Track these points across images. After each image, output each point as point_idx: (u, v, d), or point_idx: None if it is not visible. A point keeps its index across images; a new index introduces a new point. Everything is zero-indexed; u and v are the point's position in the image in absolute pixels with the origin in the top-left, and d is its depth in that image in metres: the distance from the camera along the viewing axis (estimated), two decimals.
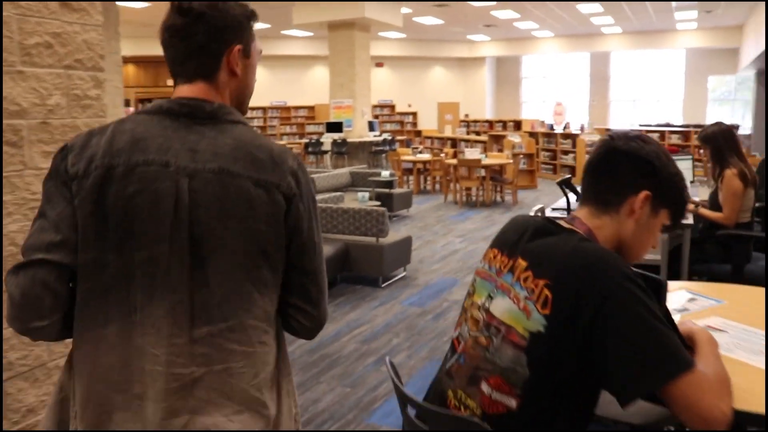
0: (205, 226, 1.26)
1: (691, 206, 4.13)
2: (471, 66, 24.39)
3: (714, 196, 4.17)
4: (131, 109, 14.05)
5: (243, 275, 1.28)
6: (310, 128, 22.52)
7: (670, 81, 22.38)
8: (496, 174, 12.22)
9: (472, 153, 11.89)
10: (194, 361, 1.25)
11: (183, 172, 1.27)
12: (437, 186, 13.99)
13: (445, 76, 24.73)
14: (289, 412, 1.41)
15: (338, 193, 8.16)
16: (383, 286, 6.25)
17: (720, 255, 4.02)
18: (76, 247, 1.27)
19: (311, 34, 19.81)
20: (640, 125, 18.88)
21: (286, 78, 22.99)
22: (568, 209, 3.90)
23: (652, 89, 22.76)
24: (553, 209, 4.58)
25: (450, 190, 12.36)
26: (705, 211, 4.13)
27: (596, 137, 14.89)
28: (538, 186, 14.36)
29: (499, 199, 12.38)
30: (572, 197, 4.08)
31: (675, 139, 17.31)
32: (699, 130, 17.16)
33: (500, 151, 14.30)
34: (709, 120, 21.08)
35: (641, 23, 18.54)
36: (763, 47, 14.44)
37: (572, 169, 15.16)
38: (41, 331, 1.28)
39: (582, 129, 16.06)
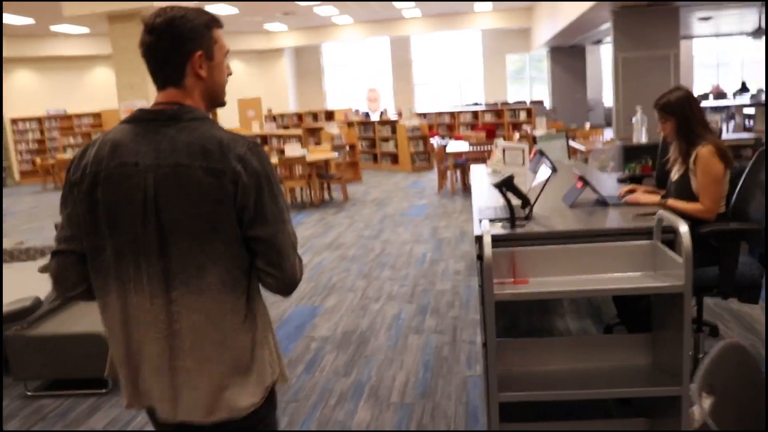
0: (166, 212, 1.55)
1: (649, 198, 3.33)
2: (270, 58, 23.09)
3: (684, 182, 3.33)
4: None
5: (197, 249, 1.56)
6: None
7: (470, 61, 22.68)
8: (321, 170, 11.16)
9: (293, 150, 10.74)
10: (171, 318, 1.59)
11: (148, 169, 1.55)
12: None
13: (244, 71, 23.19)
14: (262, 360, 1.68)
15: None
16: None
17: (705, 258, 3.17)
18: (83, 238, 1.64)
19: (87, 30, 17.40)
20: (450, 106, 18.79)
21: (62, 82, 20.17)
22: (512, 221, 2.89)
23: (454, 71, 22.94)
24: (491, 222, 3.56)
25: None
26: (677, 204, 3.24)
27: (416, 122, 14.36)
28: (362, 179, 13.49)
29: (327, 197, 11.35)
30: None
31: (488, 118, 17.35)
32: (508, 107, 18.37)
33: (317, 144, 13.25)
34: (512, 97, 21.70)
35: (440, 6, 18.37)
36: (556, 29, 14.89)
37: (395, 157, 14.51)
38: (77, 297, 1.70)
39: (400, 114, 15.46)
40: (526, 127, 14.66)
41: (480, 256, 2.79)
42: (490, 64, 22.46)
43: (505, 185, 2.78)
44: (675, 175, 3.42)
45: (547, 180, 2.94)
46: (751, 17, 17.32)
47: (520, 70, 23.90)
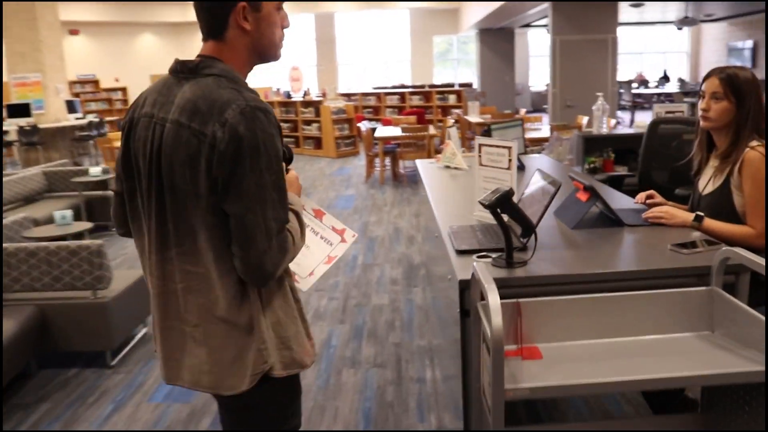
0: (164, 168, 1.48)
1: (679, 215, 2.49)
2: (186, 32, 21.49)
3: (722, 195, 2.50)
4: None
5: (187, 212, 1.48)
6: None
7: (397, 42, 21.79)
8: None
9: None
10: (166, 277, 1.56)
11: (159, 122, 1.50)
12: None
13: (158, 45, 21.54)
14: (247, 347, 1.54)
15: (21, 215, 5.10)
16: (114, 363, 3.89)
17: (754, 296, 2.33)
18: None
19: None
20: (375, 88, 17.88)
21: None
22: (510, 257, 1.99)
23: (380, 51, 22.01)
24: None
25: None
26: (718, 226, 2.42)
27: (341, 103, 13.38)
28: None
29: None
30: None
31: (416, 101, 16.54)
32: (436, 88, 17.56)
33: None
34: (437, 79, 20.96)
35: None
36: (488, 9, 14.22)
37: (318, 141, 13.50)
38: (126, 236, 1.70)
39: (324, 95, 14.43)
40: (458, 111, 13.93)
41: (465, 311, 1.92)
42: (418, 45, 21.66)
43: (501, 205, 1.89)
44: (707, 184, 2.59)
45: (552, 198, 2.07)
46: (674, 6, 17.16)
47: (445, 52, 23.24)
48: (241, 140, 1.40)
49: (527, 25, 19.98)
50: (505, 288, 1.83)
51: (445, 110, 16.36)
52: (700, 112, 2.51)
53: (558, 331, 1.83)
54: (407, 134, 9.89)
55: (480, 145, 2.59)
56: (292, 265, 1.76)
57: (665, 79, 22.25)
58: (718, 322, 1.88)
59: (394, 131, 10.38)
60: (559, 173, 3.84)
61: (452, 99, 16.65)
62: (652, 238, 2.32)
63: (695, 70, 23.95)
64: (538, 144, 8.61)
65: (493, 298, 1.51)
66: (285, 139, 10.03)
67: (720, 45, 22.25)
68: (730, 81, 2.44)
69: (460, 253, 2.11)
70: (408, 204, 8.42)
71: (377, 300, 4.95)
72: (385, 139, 10.05)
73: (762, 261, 1.71)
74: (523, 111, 12.56)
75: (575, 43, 11.70)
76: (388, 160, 10.59)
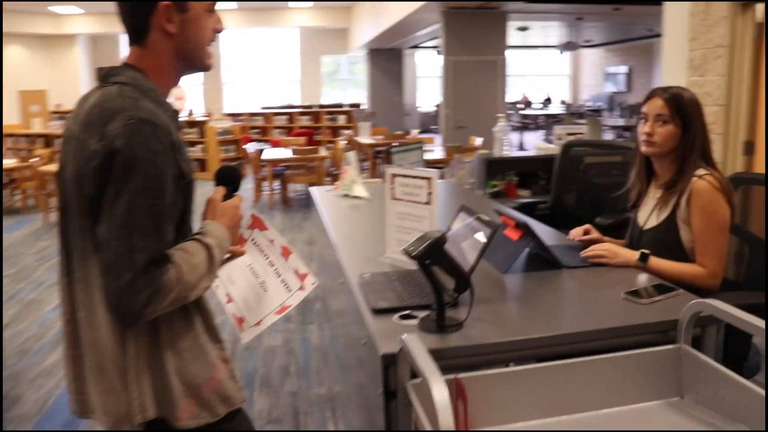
0: (66, 184, 1.37)
1: (622, 254, 2.14)
2: (59, 45, 20.00)
3: (666, 231, 2.22)
4: None
5: (80, 231, 1.34)
6: None
7: (286, 61, 21.29)
8: None
9: None
10: (71, 303, 1.41)
11: (68, 134, 1.38)
12: (31, 203, 10.22)
13: (26, 58, 19.93)
14: (127, 390, 1.35)
15: None
16: None
17: (732, 351, 2.02)
18: None
19: None
20: (262, 108, 17.29)
21: None
22: (442, 319, 1.57)
23: (269, 70, 21.43)
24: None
25: (51, 208, 8.89)
26: (666, 266, 2.12)
27: (227, 124, 12.74)
28: None
29: None
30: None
31: (305, 121, 16.09)
32: (326, 109, 17.13)
33: None
34: (325, 100, 20.60)
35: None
36: (379, 29, 14.06)
37: (202, 163, 12.77)
38: None
39: (209, 115, 13.71)
40: (348, 132, 13.60)
41: (390, 393, 1.49)
42: (307, 64, 21.24)
43: (431, 256, 1.49)
44: (648, 218, 2.30)
45: (489, 243, 1.68)
46: (557, 32, 17.71)
47: (334, 72, 22.97)
48: (116, 155, 1.25)
49: (416, 47, 20.03)
50: (439, 360, 1.42)
51: (335, 131, 16.01)
52: (642, 137, 2.23)
53: (508, 411, 1.43)
54: (297, 156, 9.42)
55: (393, 176, 2.19)
56: (243, 310, 1.61)
57: (548, 101, 22.94)
58: (688, 385, 1.55)
59: (284, 153, 9.89)
60: (481, 206, 3.51)
61: (342, 119, 16.33)
62: (598, 282, 1.99)
63: (576, 92, 24.89)
64: (433, 166, 8.37)
65: (439, 392, 1.10)
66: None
67: (598, 69, 23.24)
68: (676, 102, 2.17)
69: (378, 312, 1.68)
70: (299, 230, 7.93)
71: (269, 341, 4.45)
72: (274, 162, 9.55)
73: (748, 317, 1.39)
74: (415, 132, 12.39)
75: (467, 64, 11.66)
76: (277, 184, 10.07)
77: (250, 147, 10.61)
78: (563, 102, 23.50)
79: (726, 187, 2.12)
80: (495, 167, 5.48)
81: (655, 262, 2.11)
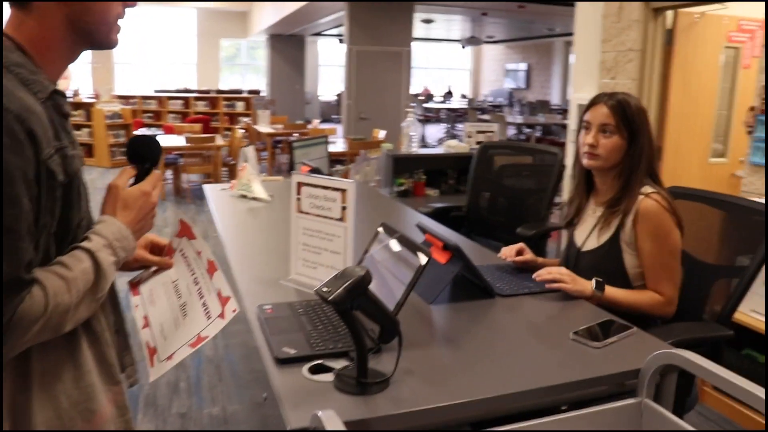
0: None
1: (577, 283, 1.87)
2: None
3: (609, 254, 2.00)
4: None
5: None
6: None
7: (183, 43, 20.30)
8: None
9: None
10: None
11: None
12: None
13: None
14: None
15: None
16: None
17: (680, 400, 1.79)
18: None
19: None
20: (156, 91, 16.38)
21: None
22: (363, 377, 1.26)
23: (164, 51, 20.37)
24: None
25: None
26: (622, 295, 1.92)
27: (117, 106, 11.92)
28: None
29: None
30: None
31: (202, 107, 15.35)
32: (224, 94, 16.33)
33: None
34: (224, 85, 19.83)
35: None
36: (281, 14, 13.59)
37: (89, 148, 11.89)
38: None
39: (97, 96, 12.80)
40: (246, 120, 13.04)
41: None
42: (204, 47, 20.34)
43: (353, 300, 1.18)
44: (587, 238, 2.07)
45: (418, 277, 1.38)
46: (460, 26, 17.78)
47: (233, 57, 22.17)
48: None
49: (318, 34, 19.59)
50: None
51: (233, 118, 15.36)
52: (584, 148, 1.99)
53: None
54: (192, 145, 8.85)
55: (299, 185, 1.86)
56: (158, 338, 1.32)
57: (449, 94, 23.06)
58: None
59: (177, 140, 9.28)
60: (401, 217, 3.22)
61: (240, 106, 15.70)
62: (538, 315, 1.74)
63: (476, 87, 25.18)
64: (336, 160, 8.05)
65: None
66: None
67: (498, 65, 23.58)
68: (622, 111, 1.95)
69: (283, 362, 1.35)
70: (192, 224, 7.43)
71: None
72: (167, 149, 8.94)
73: (727, 374, 1.17)
74: (316, 122, 12.00)
75: (371, 54, 11.39)
76: (169, 173, 9.46)
77: (142, 132, 9.93)
78: (464, 96, 23.69)
79: (674, 206, 1.93)
80: (402, 164, 5.21)
81: (611, 292, 1.89)
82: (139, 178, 1.25)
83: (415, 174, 5.23)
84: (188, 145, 8.80)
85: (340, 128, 12.37)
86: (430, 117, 18.93)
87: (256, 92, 17.28)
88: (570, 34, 18.36)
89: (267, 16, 15.87)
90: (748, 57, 4.87)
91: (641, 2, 4.46)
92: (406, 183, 5.21)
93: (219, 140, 9.22)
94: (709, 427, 3.03)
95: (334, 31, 18.46)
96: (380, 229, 1.70)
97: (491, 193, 3.62)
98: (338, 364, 1.34)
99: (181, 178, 9.32)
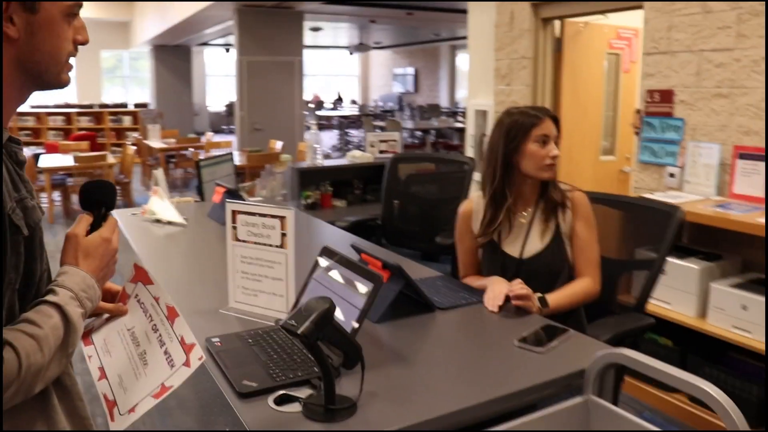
0: None
1: (530, 296, 1.93)
2: None
3: (553, 252, 2.14)
4: None
5: None
6: None
7: None
8: None
9: None
10: None
11: None
12: None
13: None
14: None
15: None
16: None
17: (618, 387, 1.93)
18: None
19: None
20: (33, 107, 15.52)
21: None
22: (331, 404, 1.28)
23: None
24: None
25: None
26: (561, 297, 2.03)
27: None
28: None
29: None
30: None
31: (86, 122, 14.70)
32: (108, 108, 15.63)
33: None
34: (107, 98, 19.08)
35: None
36: (166, 24, 13.24)
37: None
38: None
39: None
40: (136, 135, 12.62)
41: None
42: (85, 60, 19.47)
43: (320, 331, 1.21)
44: (524, 246, 2.15)
45: (372, 300, 1.42)
46: (348, 33, 17.93)
47: (114, 68, 21.36)
48: None
49: (205, 44, 19.20)
50: None
51: (120, 133, 14.83)
52: (547, 161, 2.09)
53: None
54: (81, 164, 8.48)
55: (234, 213, 1.86)
56: (118, 390, 1.25)
57: (340, 100, 23.17)
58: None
59: (64, 160, 8.85)
60: (331, 238, 3.24)
61: (127, 121, 15.17)
62: (478, 326, 1.84)
63: (365, 92, 25.41)
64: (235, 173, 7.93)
65: None
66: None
67: (386, 70, 23.92)
68: (557, 122, 2.10)
69: (247, 396, 1.36)
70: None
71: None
72: (53, 170, 8.52)
73: (670, 369, 1.29)
74: (210, 134, 11.78)
75: (262, 64, 11.29)
76: (57, 194, 9.01)
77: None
78: (354, 102, 23.87)
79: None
80: (308, 177, 5.23)
81: (553, 300, 2.00)
82: (95, 225, 1.21)
83: (321, 186, 5.25)
84: (77, 165, 8.42)
85: (234, 140, 12.17)
86: (322, 125, 18.95)
87: (144, 105, 16.73)
88: (455, 39, 18.84)
89: (150, 27, 15.39)
90: (627, 62, 5.22)
91: (531, 13, 4.69)
92: (313, 195, 5.22)
93: (110, 158, 8.88)
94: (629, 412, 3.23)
95: (221, 41, 18.16)
96: (321, 255, 1.73)
97: (405, 203, 3.71)
98: (302, 392, 1.36)
99: (71, 199, 8.90)
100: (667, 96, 3.65)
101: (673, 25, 3.59)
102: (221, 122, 21.46)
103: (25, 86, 1.11)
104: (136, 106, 16.28)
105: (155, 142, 10.74)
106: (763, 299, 2.80)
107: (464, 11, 5.61)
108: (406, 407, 1.33)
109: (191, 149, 10.48)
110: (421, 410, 1.32)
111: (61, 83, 1.15)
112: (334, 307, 1.23)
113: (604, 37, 5.03)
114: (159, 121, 13.18)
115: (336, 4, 10.88)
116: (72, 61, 1.14)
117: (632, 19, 4.90)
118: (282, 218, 1.76)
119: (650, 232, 2.29)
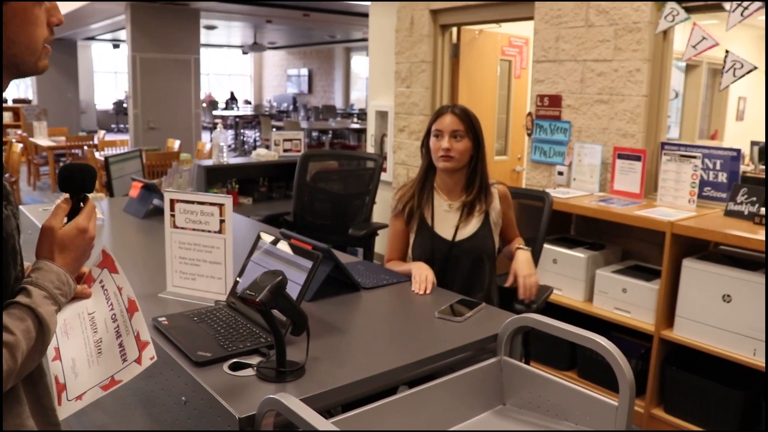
0: None
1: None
2: None
3: (489, 233, 2.46)
4: None
5: None
6: None
7: None
8: None
9: None
10: None
11: None
12: None
13: None
14: None
15: None
16: None
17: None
18: None
19: None
20: None
21: None
22: (282, 368, 1.43)
23: None
24: None
25: None
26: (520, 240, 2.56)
27: None
28: None
29: None
30: None
31: None
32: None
33: None
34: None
35: None
36: None
37: None
38: None
39: None
40: (20, 133, 12.04)
41: None
42: None
43: (275, 301, 1.37)
44: (457, 229, 2.39)
45: (313, 274, 1.60)
46: (242, 32, 17.81)
47: None
48: None
49: (92, 38, 18.52)
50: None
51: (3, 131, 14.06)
52: (440, 153, 2.32)
53: None
54: None
55: (173, 201, 1.97)
56: (69, 374, 1.23)
57: (233, 100, 22.91)
58: (509, 392, 1.68)
59: None
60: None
61: (7, 117, 14.41)
62: (401, 303, 2.06)
63: (259, 92, 25.25)
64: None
65: None
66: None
67: (280, 71, 23.87)
68: (467, 117, 2.34)
69: (203, 365, 1.50)
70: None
71: None
72: None
73: (573, 329, 1.54)
74: (102, 133, 11.43)
75: (157, 61, 11.10)
76: None
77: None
78: (247, 102, 23.68)
79: None
80: (214, 175, 5.29)
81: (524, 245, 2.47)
82: (73, 211, 1.17)
83: (228, 183, 5.33)
84: None
85: (128, 138, 11.87)
86: (217, 124, 18.73)
87: (26, 101, 15.96)
88: (350, 41, 18.96)
89: None
90: (518, 69, 5.61)
91: (430, 19, 4.96)
92: (220, 193, 5.29)
93: None
94: None
95: (109, 36, 17.60)
96: (261, 235, 1.89)
97: (316, 199, 3.88)
98: (252, 360, 1.52)
99: None
100: (555, 101, 4.01)
101: (560, 36, 3.95)
102: (110, 120, 20.75)
103: (3, 77, 1.08)
104: (16, 102, 15.49)
105: (42, 140, 10.33)
106: (641, 283, 3.18)
107: (360, 14, 5.81)
108: (347, 368, 1.52)
109: (85, 147, 10.16)
110: (361, 370, 1.51)
111: (38, 70, 1.13)
112: (287, 279, 1.39)
113: (498, 44, 5.38)
114: (43, 119, 12.63)
115: (233, 3, 10.85)
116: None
117: (523, 29, 5.28)
118: (221, 205, 1.90)
119: (530, 216, 2.71)
